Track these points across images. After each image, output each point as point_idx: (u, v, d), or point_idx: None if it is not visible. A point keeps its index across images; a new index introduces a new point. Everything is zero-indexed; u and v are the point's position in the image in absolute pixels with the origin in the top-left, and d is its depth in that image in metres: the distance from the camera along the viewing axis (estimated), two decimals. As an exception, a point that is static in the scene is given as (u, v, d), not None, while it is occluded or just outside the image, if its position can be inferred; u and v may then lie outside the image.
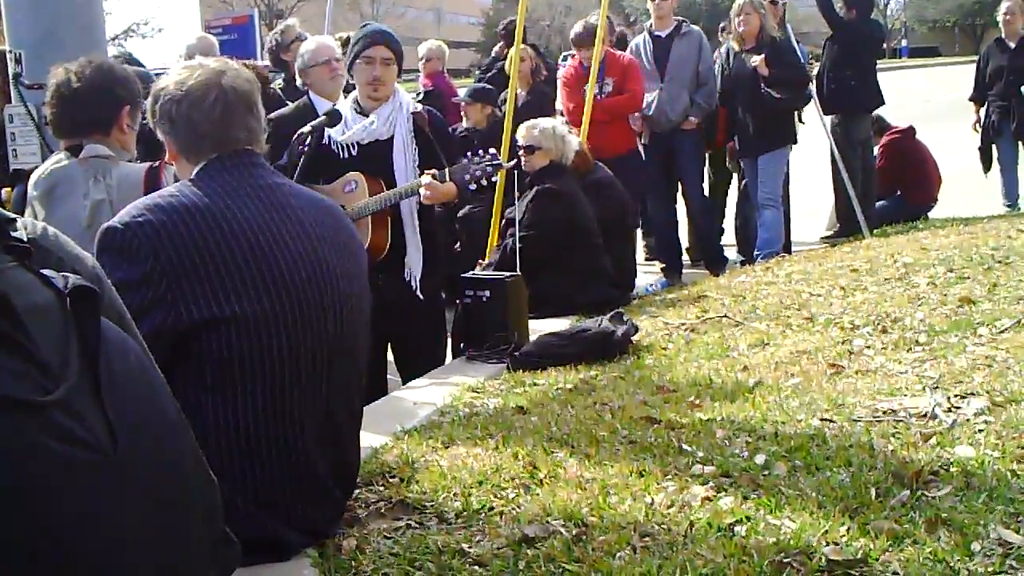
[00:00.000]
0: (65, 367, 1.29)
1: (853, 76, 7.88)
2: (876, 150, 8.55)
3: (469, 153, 4.16)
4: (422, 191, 4.07)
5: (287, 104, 5.17)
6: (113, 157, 3.06)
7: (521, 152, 5.64)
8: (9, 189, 3.55)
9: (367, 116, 4.25)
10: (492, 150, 4.22)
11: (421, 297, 4.26)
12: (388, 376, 4.42)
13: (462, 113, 7.45)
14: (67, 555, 1.24)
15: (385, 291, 4.08)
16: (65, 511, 1.24)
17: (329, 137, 4.25)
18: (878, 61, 8.42)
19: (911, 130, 8.89)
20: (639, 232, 7.66)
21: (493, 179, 4.25)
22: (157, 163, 2.98)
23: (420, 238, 4.26)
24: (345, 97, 4.54)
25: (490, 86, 7.96)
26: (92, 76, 3.04)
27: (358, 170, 4.23)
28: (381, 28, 4.43)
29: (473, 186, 4.14)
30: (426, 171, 4.11)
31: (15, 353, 1.24)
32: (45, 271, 1.35)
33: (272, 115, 4.76)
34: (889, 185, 8.63)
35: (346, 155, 4.27)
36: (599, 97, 6.98)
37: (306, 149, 3.96)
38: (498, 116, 7.20)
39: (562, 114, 7.83)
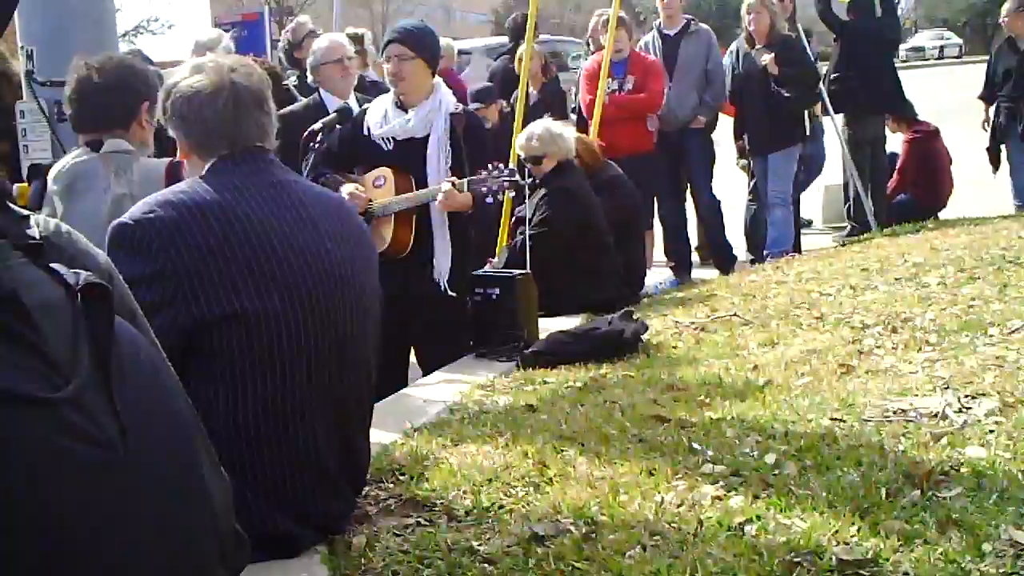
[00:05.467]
0: (75, 364, 1.28)
1: (856, 77, 7.86)
2: (900, 146, 8.49)
3: (489, 166, 4.17)
4: (439, 196, 4.08)
5: (300, 101, 5.18)
6: (134, 152, 3.07)
7: (528, 165, 5.59)
8: (25, 185, 3.55)
9: (406, 112, 4.26)
10: (512, 166, 4.25)
11: (451, 294, 4.27)
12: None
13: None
14: (75, 552, 1.24)
15: (410, 287, 4.11)
16: (74, 508, 1.24)
17: (368, 128, 4.28)
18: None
19: (936, 131, 8.79)
20: (660, 231, 7.67)
21: (510, 194, 4.27)
22: (179, 158, 2.99)
23: (450, 236, 4.27)
24: (356, 96, 4.55)
25: (489, 83, 8.03)
26: (113, 71, 3.05)
27: (395, 164, 4.25)
28: (397, 27, 4.42)
29: (489, 200, 4.17)
30: (446, 179, 4.12)
31: (25, 349, 1.24)
32: (56, 267, 1.35)
33: (282, 111, 4.78)
34: (904, 185, 8.60)
35: (385, 148, 4.29)
36: (618, 93, 6.97)
37: (317, 146, 3.97)
38: (508, 111, 7.22)
39: (575, 110, 7.81)
